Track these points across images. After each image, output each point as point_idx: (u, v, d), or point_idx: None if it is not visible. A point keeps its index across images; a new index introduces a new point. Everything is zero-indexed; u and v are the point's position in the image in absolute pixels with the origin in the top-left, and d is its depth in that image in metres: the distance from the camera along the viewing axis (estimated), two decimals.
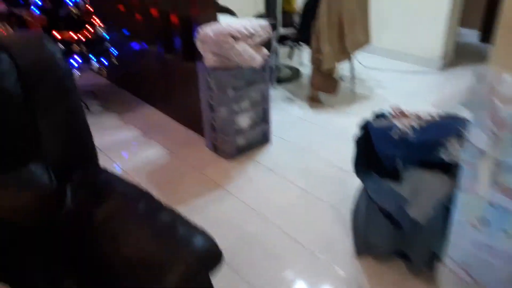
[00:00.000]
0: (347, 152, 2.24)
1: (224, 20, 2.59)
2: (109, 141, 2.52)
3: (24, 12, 2.41)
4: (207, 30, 2.03)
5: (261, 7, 3.57)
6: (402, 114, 1.51)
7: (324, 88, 2.84)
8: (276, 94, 3.09)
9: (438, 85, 3.16)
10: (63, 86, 1.20)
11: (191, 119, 2.55)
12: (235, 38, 1.99)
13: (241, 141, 2.30)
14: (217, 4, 3.22)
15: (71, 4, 2.54)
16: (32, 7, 2.42)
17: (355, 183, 1.73)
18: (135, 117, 2.81)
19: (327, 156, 2.26)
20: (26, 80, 1.12)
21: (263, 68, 2.21)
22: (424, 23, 3.36)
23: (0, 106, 1.07)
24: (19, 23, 2.45)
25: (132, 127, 2.67)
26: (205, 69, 2.13)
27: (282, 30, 3.25)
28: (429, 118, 1.51)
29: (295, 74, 3.47)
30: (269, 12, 3.26)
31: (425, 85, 3.16)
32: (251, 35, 2.06)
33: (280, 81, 3.32)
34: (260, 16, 3.51)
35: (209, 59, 2.06)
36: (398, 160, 1.30)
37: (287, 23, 3.44)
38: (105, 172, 1.24)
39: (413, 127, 1.41)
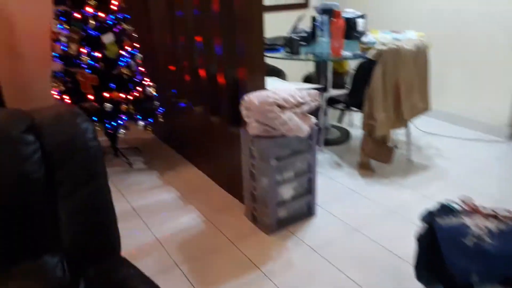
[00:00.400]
0: (405, 235, 1.97)
1: (272, 83, 2.51)
2: (146, 202, 2.43)
3: (78, 71, 2.48)
4: (252, 98, 1.93)
5: (311, 67, 3.50)
6: (475, 209, 1.26)
7: (376, 155, 2.61)
8: (324, 158, 2.90)
9: (507, 158, 2.81)
10: (90, 168, 1.10)
11: (232, 183, 2.42)
12: (281, 107, 1.87)
13: (282, 213, 2.11)
14: (267, 66, 3.18)
15: (123, 64, 2.59)
16: (84, 66, 2.49)
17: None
18: (176, 177, 2.73)
19: (382, 239, 1.99)
20: (51, 162, 1.04)
21: (310, 136, 2.06)
22: (490, 87, 3.08)
23: (17, 191, 0.99)
24: (72, 82, 2.52)
25: (172, 188, 2.58)
26: (248, 137, 2.02)
27: (332, 92, 3.12)
28: (508, 216, 1.25)
29: (345, 136, 3.28)
30: (319, 73, 3.16)
31: (491, 156, 2.83)
32: (298, 104, 1.93)
33: (328, 143, 3.14)
34: (310, 76, 3.42)
35: (253, 127, 1.95)
36: (474, 275, 1.05)
37: (338, 84, 3.31)
38: (125, 266, 1.10)
39: (490, 230, 1.15)
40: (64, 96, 2.54)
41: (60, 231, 1.07)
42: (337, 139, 3.23)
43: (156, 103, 2.87)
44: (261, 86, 2.17)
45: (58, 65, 2.58)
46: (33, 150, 1.01)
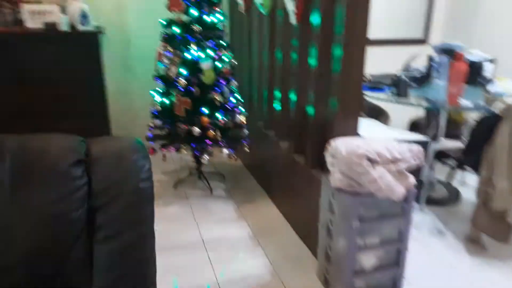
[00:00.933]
0: None
1: (368, 127, 2.22)
2: (216, 235, 2.32)
3: (175, 93, 2.52)
4: (339, 144, 1.69)
5: (421, 111, 3.08)
6: None
7: (490, 231, 2.12)
8: (422, 220, 2.47)
9: None
10: (136, 213, 0.99)
11: (308, 232, 2.17)
12: (372, 161, 1.59)
13: (360, 284, 1.79)
14: (368, 104, 2.88)
15: (217, 91, 2.56)
16: (181, 89, 2.52)
17: None
18: (253, 211, 2.58)
19: None
20: (95, 202, 0.96)
21: (406, 199, 1.72)
22: None
23: (51, 229, 0.92)
24: (168, 104, 2.57)
25: (245, 223, 2.44)
26: (329, 187, 1.77)
27: (443, 143, 2.68)
28: None
29: (453, 196, 2.78)
30: (429, 120, 2.75)
31: None
32: (394, 160, 1.63)
33: (431, 202, 2.69)
34: (418, 122, 3.01)
35: (336, 179, 1.69)
36: None
37: (451, 134, 2.85)
38: None
39: None
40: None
41: (92, 274, 0.97)
42: (443, 199, 2.76)
43: (245, 131, 2.79)
44: (353, 131, 1.91)
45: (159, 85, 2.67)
46: (78, 186, 0.94)
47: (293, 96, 2.32)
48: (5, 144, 0.87)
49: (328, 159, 1.76)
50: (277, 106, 2.59)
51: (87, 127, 2.81)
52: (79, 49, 2.65)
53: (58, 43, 2.61)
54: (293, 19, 2.11)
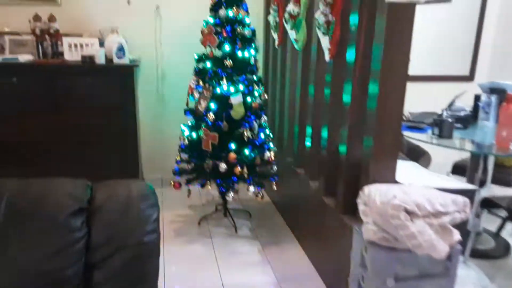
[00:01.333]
0: None
1: (407, 171, 2.05)
2: (238, 281, 2.17)
3: (203, 127, 2.47)
4: (373, 191, 1.53)
5: (465, 152, 2.85)
6: None
7: None
8: (467, 274, 2.21)
9: None
10: (138, 270, 0.89)
11: (337, 283, 1.99)
12: (411, 213, 1.42)
13: None
14: (407, 144, 2.70)
15: (246, 126, 2.49)
16: (209, 123, 2.47)
17: None
18: (277, 253, 2.42)
19: None
20: (93, 257, 0.87)
21: (450, 258, 1.52)
22: None
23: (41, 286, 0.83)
24: (195, 139, 2.53)
25: (270, 268, 2.28)
26: (361, 239, 1.60)
27: (491, 189, 2.44)
28: None
29: (502, 249, 2.50)
30: (476, 164, 2.52)
31: None
32: (436, 213, 1.45)
33: (476, 255, 2.42)
34: (462, 165, 2.78)
35: (369, 230, 1.53)
36: None
37: (501, 180, 2.59)
38: None
39: None
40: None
41: None
42: (490, 251, 2.48)
43: (274, 168, 2.68)
44: (389, 176, 1.75)
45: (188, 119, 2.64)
46: (76, 238, 0.86)
47: (325, 133, 2.20)
48: (4, 190, 0.81)
49: (361, 207, 1.61)
50: (308, 143, 2.47)
51: (118, 156, 2.81)
52: (114, 81, 2.69)
53: (94, 75, 2.66)
54: (327, 56, 2.02)
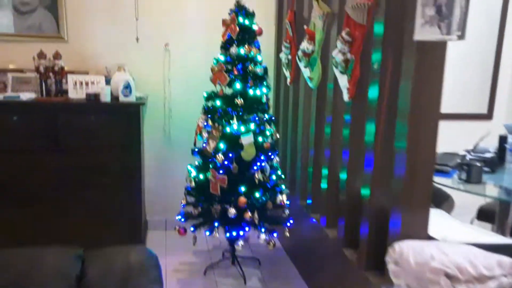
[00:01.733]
0: None
1: (433, 220, 1.85)
2: None
3: (211, 170, 2.32)
4: (406, 250, 1.35)
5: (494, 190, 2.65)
6: None
7: None
8: None
9: None
10: None
11: None
12: (451, 278, 1.23)
13: None
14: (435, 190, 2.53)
15: (257, 169, 2.33)
16: (218, 165, 2.32)
17: None
18: None
19: None
20: None
21: None
22: None
23: None
24: (203, 181, 2.37)
25: None
26: None
27: None
28: None
29: None
30: (506, 209, 2.32)
31: None
32: (480, 278, 1.25)
33: None
34: (488, 210, 2.58)
35: None
36: None
37: None
38: None
39: None
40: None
41: None
42: None
43: (286, 212, 2.50)
44: (421, 230, 1.56)
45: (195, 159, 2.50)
46: None
47: (343, 175, 2.03)
48: None
49: (391, 266, 1.41)
50: (324, 185, 2.30)
51: (120, 197, 2.65)
52: (119, 119, 2.57)
53: (99, 114, 2.55)
54: (346, 95, 1.89)
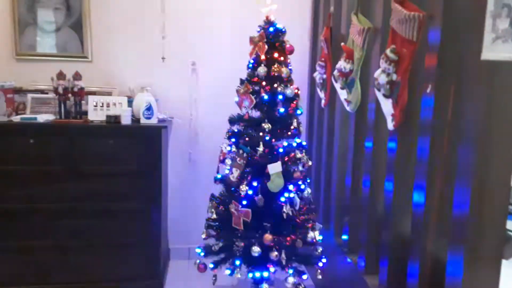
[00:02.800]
0: None
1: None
2: None
3: (233, 202, 2.09)
4: None
5: None
6: None
7: None
8: None
9: None
10: None
11: None
12: None
13: None
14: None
15: (285, 201, 2.07)
16: (242, 197, 2.08)
17: None
18: None
19: None
20: None
21: None
22: None
23: None
24: (225, 213, 2.14)
25: None
26: None
27: None
28: None
29: None
30: None
31: None
32: None
33: None
34: None
35: None
36: None
37: None
38: None
39: None
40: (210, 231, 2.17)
41: None
42: None
43: (319, 249, 2.20)
44: None
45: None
46: None
47: (387, 211, 1.73)
48: None
49: None
50: (363, 220, 2.00)
51: (140, 225, 2.47)
52: (140, 143, 2.41)
53: (118, 137, 2.40)
54: (390, 124, 1.61)
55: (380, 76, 1.63)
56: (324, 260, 2.20)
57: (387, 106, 1.64)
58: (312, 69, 2.78)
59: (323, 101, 2.49)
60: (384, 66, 1.60)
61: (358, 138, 2.07)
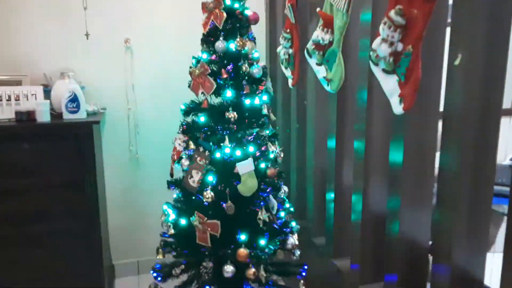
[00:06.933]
0: None
1: None
2: None
3: (196, 213, 1.66)
4: None
5: None
6: None
7: None
8: None
9: None
10: None
11: None
12: None
13: None
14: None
15: (260, 206, 1.69)
16: (205, 205, 1.66)
17: None
18: None
19: None
20: None
21: None
22: None
23: None
24: (186, 227, 1.71)
25: None
26: None
27: None
28: None
29: None
30: None
31: None
32: None
33: None
34: None
35: None
36: None
37: None
38: None
39: None
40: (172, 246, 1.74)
41: None
42: None
43: (297, 254, 1.87)
44: None
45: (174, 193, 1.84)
46: None
47: (392, 202, 1.44)
48: None
49: None
50: (355, 216, 1.69)
51: (76, 244, 1.96)
52: (64, 145, 1.87)
53: (34, 139, 1.84)
54: (398, 107, 1.27)
55: (380, 47, 1.28)
56: (305, 268, 1.88)
57: (389, 84, 1.30)
58: (272, 43, 2.39)
59: (290, 81, 2.12)
60: (386, 33, 1.25)
61: (343, 123, 1.74)
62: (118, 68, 2.36)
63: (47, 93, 2.00)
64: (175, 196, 1.84)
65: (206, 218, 1.64)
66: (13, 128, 1.80)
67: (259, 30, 2.47)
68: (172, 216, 1.77)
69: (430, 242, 1.41)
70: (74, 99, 1.90)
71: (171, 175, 1.86)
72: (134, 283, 2.54)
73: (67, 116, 1.90)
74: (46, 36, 2.20)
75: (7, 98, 1.86)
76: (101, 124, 2.35)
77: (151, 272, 1.81)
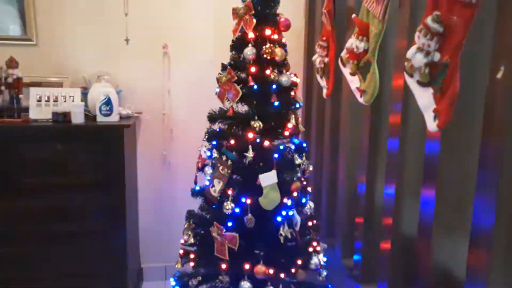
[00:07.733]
0: None
1: None
2: None
3: (215, 225, 1.61)
4: None
5: None
6: None
7: None
8: None
9: None
10: None
11: None
12: None
13: None
14: None
15: (281, 222, 1.61)
16: (227, 216, 1.61)
17: None
18: None
19: None
20: None
21: None
22: None
23: None
24: (205, 237, 1.67)
25: None
26: None
27: None
28: None
29: None
30: None
31: None
32: None
33: None
34: None
35: None
36: None
37: None
38: None
39: None
40: (191, 255, 1.70)
41: None
42: None
43: (323, 274, 1.76)
44: None
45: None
46: None
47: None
48: None
49: None
50: (386, 241, 1.56)
51: (100, 247, 1.99)
52: (95, 146, 1.91)
53: (68, 140, 1.91)
54: (432, 124, 1.14)
55: (415, 56, 1.16)
56: None
57: (424, 97, 1.18)
58: (309, 51, 2.30)
59: (324, 91, 2.02)
60: (422, 41, 1.13)
61: (376, 136, 1.61)
62: (156, 73, 2.39)
63: (85, 96, 2.07)
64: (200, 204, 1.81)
65: (224, 230, 1.58)
66: (49, 128, 1.87)
67: (297, 38, 2.40)
68: (192, 225, 1.74)
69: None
70: (107, 102, 1.95)
71: (195, 182, 1.84)
72: None
73: (100, 118, 1.94)
74: (88, 41, 2.28)
75: (46, 99, 1.94)
76: (136, 127, 2.39)
77: (172, 278, 1.79)
